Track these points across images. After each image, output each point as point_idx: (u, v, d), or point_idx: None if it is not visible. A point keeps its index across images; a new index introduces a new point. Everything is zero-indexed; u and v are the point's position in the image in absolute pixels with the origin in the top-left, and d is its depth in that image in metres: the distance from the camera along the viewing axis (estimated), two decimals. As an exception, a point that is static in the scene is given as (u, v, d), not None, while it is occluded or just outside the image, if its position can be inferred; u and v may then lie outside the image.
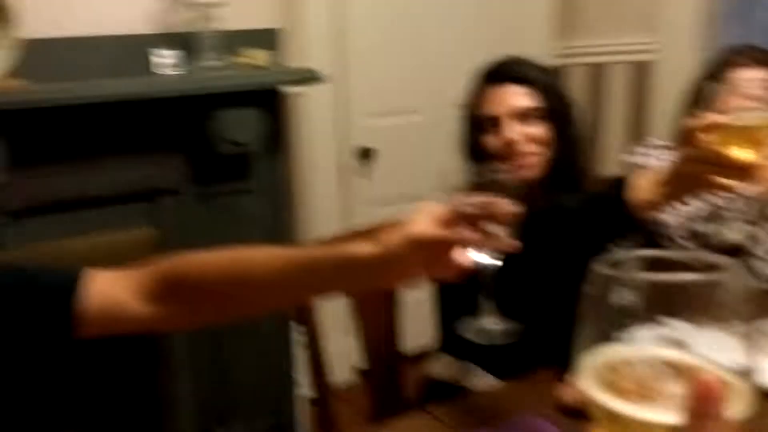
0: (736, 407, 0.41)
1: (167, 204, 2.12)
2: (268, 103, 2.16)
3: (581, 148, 1.56)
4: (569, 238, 1.22)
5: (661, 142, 1.83)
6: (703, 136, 1.00)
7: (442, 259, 0.89)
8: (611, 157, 3.00)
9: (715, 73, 1.73)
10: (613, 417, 0.42)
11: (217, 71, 2.11)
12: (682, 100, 1.83)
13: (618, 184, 1.15)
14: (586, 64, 3.14)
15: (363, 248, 0.89)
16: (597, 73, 3.14)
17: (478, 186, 0.92)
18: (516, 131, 1.44)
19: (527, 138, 1.45)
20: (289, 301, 1.15)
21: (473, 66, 1.57)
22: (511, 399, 1.28)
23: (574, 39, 3.13)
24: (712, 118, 1.00)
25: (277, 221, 2.28)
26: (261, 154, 2.20)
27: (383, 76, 2.73)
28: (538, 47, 2.94)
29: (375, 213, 2.64)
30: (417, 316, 1.73)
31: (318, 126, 2.62)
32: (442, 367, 1.52)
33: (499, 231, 0.90)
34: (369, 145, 2.73)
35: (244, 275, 0.95)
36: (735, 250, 1.65)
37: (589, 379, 0.43)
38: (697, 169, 1.02)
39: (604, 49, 3.09)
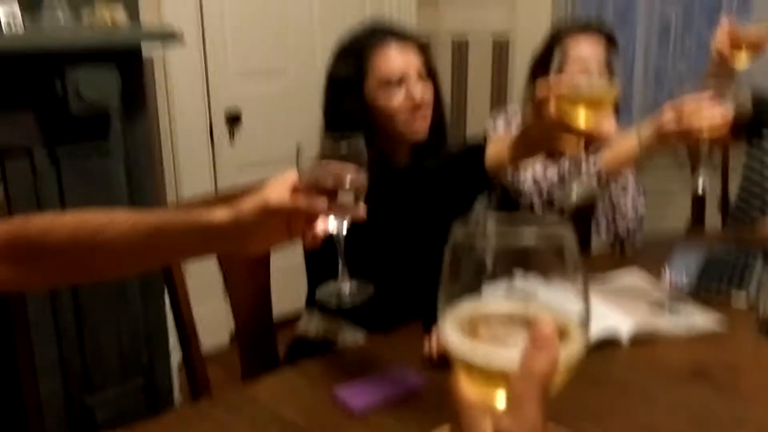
0: (573, 348, 0.46)
1: (17, 164, 2.00)
2: (126, 62, 2.07)
3: (446, 112, 1.64)
4: (430, 197, 1.27)
5: (517, 110, 1.93)
6: (550, 104, 1.09)
7: (297, 226, 0.92)
8: (478, 128, 3.13)
9: (551, 45, 1.85)
10: (469, 362, 0.45)
11: (64, 28, 1.99)
12: (528, 71, 1.95)
13: (475, 146, 1.22)
14: (450, 40, 3.23)
15: (216, 214, 0.90)
16: (460, 46, 3.24)
17: (333, 155, 0.94)
18: (420, 89, 1.48)
19: (425, 96, 1.50)
20: (141, 265, 1.13)
21: (338, 31, 1.58)
22: (379, 352, 1.32)
23: (438, 15, 3.21)
24: (556, 87, 1.08)
25: (138, 184, 2.21)
26: (119, 115, 2.11)
27: (249, 37, 2.67)
28: (404, 16, 2.99)
29: (242, 177, 2.61)
30: (291, 279, 1.73)
31: (184, 88, 2.53)
32: (311, 325, 1.54)
33: (349, 198, 0.93)
34: (237, 106, 2.67)
35: (91, 239, 0.93)
36: (582, 212, 1.79)
37: (450, 330, 0.47)
38: (546, 134, 1.11)
39: (465, 24, 3.19)
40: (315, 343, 1.51)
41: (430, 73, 1.54)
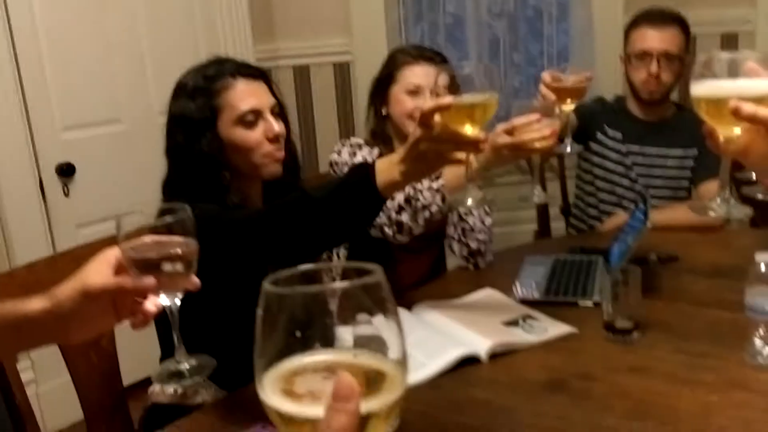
0: (391, 392, 0.46)
1: None
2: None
3: (297, 147, 1.62)
4: (320, 228, 1.23)
5: (360, 142, 1.93)
6: (437, 118, 1.11)
7: (124, 306, 0.87)
8: (326, 152, 3.13)
9: (389, 72, 1.89)
10: (287, 419, 0.46)
11: None
12: (369, 95, 1.97)
13: (360, 168, 1.20)
14: (291, 66, 3.22)
15: (31, 305, 0.84)
16: (302, 73, 3.23)
17: (155, 228, 0.89)
18: (278, 125, 1.47)
19: (282, 133, 1.48)
20: None
21: (173, 72, 1.52)
22: (236, 410, 1.26)
23: (276, 42, 3.18)
24: (440, 100, 1.10)
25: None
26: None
27: (76, 89, 2.50)
28: (241, 50, 2.94)
29: (80, 234, 2.44)
30: (143, 339, 1.62)
31: (5, 147, 2.33)
32: (164, 391, 1.44)
33: (178, 269, 0.88)
34: (69, 160, 2.49)
35: None
36: (432, 233, 1.81)
37: (268, 388, 0.47)
38: (435, 147, 1.12)
39: (306, 51, 3.19)
40: (171, 407, 1.41)
41: (281, 110, 1.53)
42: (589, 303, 1.55)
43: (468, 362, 1.32)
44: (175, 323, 0.92)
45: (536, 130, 1.37)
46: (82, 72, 2.52)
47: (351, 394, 0.43)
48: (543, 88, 1.59)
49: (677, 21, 2.13)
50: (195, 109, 1.45)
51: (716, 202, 1.21)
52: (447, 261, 2.02)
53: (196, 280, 0.89)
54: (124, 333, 1.07)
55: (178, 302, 0.90)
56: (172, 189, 1.48)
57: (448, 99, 1.10)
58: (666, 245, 1.81)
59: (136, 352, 1.61)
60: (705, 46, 3.12)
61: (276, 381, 0.46)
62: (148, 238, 0.87)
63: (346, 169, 1.85)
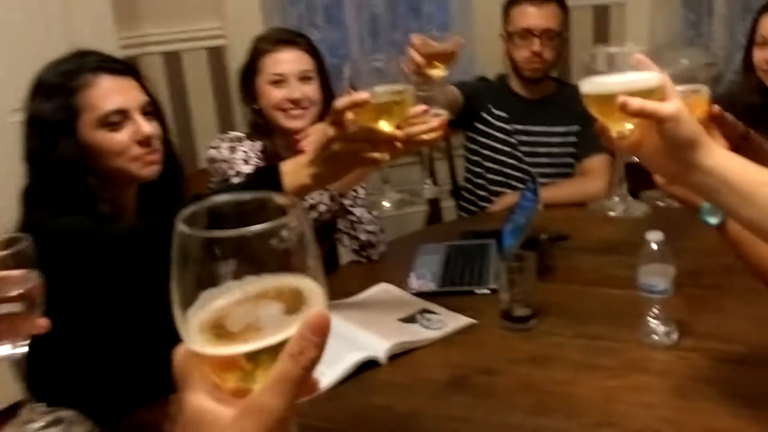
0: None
1: None
2: None
3: (175, 146, 1.48)
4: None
5: (238, 133, 1.81)
6: (350, 115, 1.01)
7: None
8: (205, 144, 2.96)
9: (254, 59, 1.79)
10: (228, 361, 0.44)
11: None
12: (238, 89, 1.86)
13: (265, 172, 1.09)
14: (160, 53, 3.01)
15: None
16: (173, 61, 3.04)
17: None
18: (146, 124, 1.30)
19: (153, 133, 1.32)
20: None
21: (25, 67, 1.34)
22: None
23: (143, 28, 2.97)
24: (354, 97, 1.00)
25: None
26: None
27: None
28: (102, 39, 2.70)
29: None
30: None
31: None
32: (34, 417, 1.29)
33: (18, 310, 0.75)
34: None
35: None
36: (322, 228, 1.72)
37: (197, 341, 0.44)
38: (350, 147, 1.02)
39: (176, 36, 2.99)
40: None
41: (155, 108, 1.37)
42: (485, 290, 1.52)
43: (367, 366, 1.25)
44: (22, 375, 0.78)
45: (424, 121, 1.28)
46: None
47: (325, 326, 0.43)
48: (411, 51, 1.52)
49: None
50: (51, 110, 1.28)
51: (613, 200, 1.22)
52: (340, 256, 1.95)
53: (43, 321, 0.76)
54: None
55: (24, 349, 0.77)
56: (33, 198, 1.31)
57: (363, 95, 1.00)
58: (555, 223, 1.81)
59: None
60: (577, 19, 3.18)
61: (203, 329, 0.43)
62: None
63: (225, 167, 1.73)
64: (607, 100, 0.88)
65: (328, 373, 1.22)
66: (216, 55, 3.05)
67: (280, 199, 0.45)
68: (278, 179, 1.06)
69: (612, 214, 1.19)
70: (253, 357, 0.43)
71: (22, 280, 0.74)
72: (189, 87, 3.07)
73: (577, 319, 1.37)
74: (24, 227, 1.26)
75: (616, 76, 0.90)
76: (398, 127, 1.07)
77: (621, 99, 0.84)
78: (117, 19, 2.79)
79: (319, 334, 0.43)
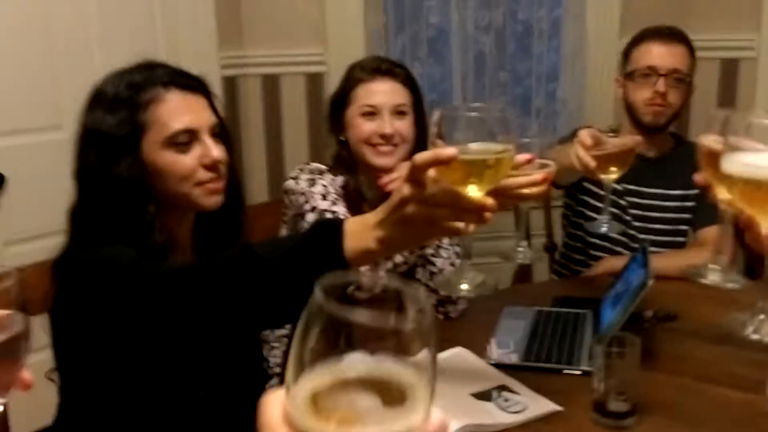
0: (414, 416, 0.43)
1: None
2: None
3: (241, 176, 1.38)
4: (266, 296, 0.96)
5: (320, 165, 1.69)
6: (432, 174, 0.85)
7: None
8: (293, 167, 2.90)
9: (346, 89, 1.67)
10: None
11: None
12: (326, 118, 1.75)
13: (325, 229, 0.94)
14: (259, 75, 2.98)
15: None
16: (271, 83, 3.00)
17: None
18: (217, 150, 1.20)
19: (222, 160, 1.22)
20: None
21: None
22: None
23: (244, 49, 2.94)
24: (439, 152, 0.84)
25: None
26: None
27: (13, 88, 2.24)
28: (204, 56, 2.70)
29: (8, 253, 2.18)
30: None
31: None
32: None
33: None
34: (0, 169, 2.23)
35: None
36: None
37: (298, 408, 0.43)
38: (428, 212, 0.86)
39: (276, 59, 2.95)
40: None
41: (223, 130, 1.26)
42: (576, 372, 1.32)
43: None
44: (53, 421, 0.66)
45: (525, 173, 1.08)
46: (21, 73, 2.26)
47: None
48: (580, 152, 1.35)
49: (685, 41, 1.93)
50: (114, 123, 1.17)
51: (709, 267, 1.05)
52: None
53: (26, 376, 0.64)
54: None
55: (0, 408, 0.65)
56: (80, 220, 1.21)
57: (450, 150, 0.84)
58: (662, 298, 1.58)
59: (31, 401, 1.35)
60: (702, 72, 2.92)
61: (305, 400, 0.42)
62: None
63: (301, 200, 1.61)
64: (761, 187, 0.68)
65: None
66: (314, 82, 2.99)
67: (421, 292, 0.44)
68: (339, 240, 0.91)
69: (704, 281, 1.04)
70: None
71: (4, 323, 0.62)
72: (284, 111, 3.01)
73: (685, 422, 1.15)
74: (65, 253, 1.17)
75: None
76: (492, 194, 0.90)
77: None
78: (220, 39, 2.78)
79: None
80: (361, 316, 0.41)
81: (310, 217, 1.55)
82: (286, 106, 3.01)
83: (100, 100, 1.21)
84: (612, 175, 1.39)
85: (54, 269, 1.15)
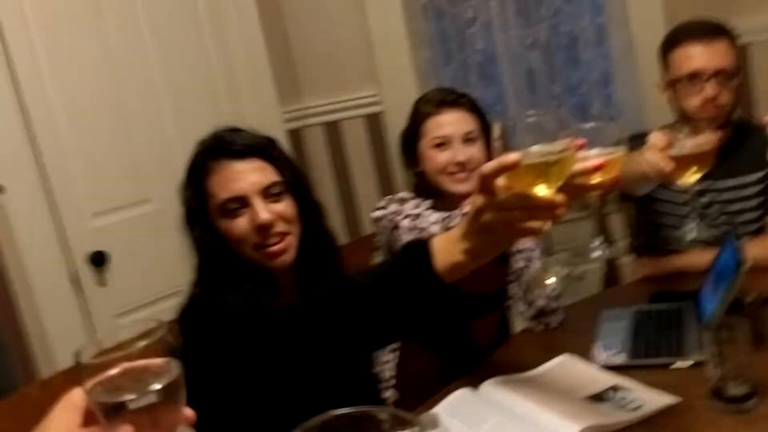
0: None
1: None
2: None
3: (324, 215, 1.45)
4: (368, 321, 1.04)
5: (406, 196, 1.77)
6: (501, 181, 0.91)
7: None
8: (368, 210, 2.98)
9: (416, 122, 1.74)
10: None
11: None
12: (400, 152, 1.82)
13: (414, 250, 1.01)
14: (321, 124, 3.10)
15: None
16: (333, 130, 3.11)
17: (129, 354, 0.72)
18: (269, 210, 1.28)
19: (279, 216, 1.29)
20: None
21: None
22: None
23: (303, 101, 3.07)
24: (502, 159, 0.90)
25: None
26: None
27: (102, 169, 2.40)
28: (266, 114, 2.82)
29: (120, 324, 2.31)
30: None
31: (34, 236, 2.23)
32: None
33: (160, 402, 0.70)
34: (101, 248, 2.38)
35: None
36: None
37: None
38: (504, 217, 0.92)
39: (335, 106, 3.07)
40: None
41: (288, 185, 1.33)
42: (687, 363, 1.33)
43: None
44: None
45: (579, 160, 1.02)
46: (105, 153, 2.41)
47: None
48: (654, 157, 1.29)
49: (723, 32, 1.82)
50: (188, 197, 1.34)
51: None
52: (513, 324, 1.82)
53: (189, 412, 0.72)
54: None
55: None
56: (200, 279, 1.34)
57: (513, 156, 0.89)
58: (759, 282, 1.58)
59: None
60: (759, 57, 2.89)
61: None
62: (117, 369, 0.70)
63: (394, 216, 1.68)
64: None
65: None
66: (374, 122, 3.09)
67: (399, 414, 0.44)
68: (429, 259, 0.98)
69: None
70: None
71: (163, 369, 0.71)
72: (349, 154, 3.12)
73: (808, 398, 1.15)
74: (189, 302, 1.30)
75: None
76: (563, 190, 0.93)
77: None
78: (280, 94, 2.90)
79: None
80: None
81: (405, 223, 1.61)
82: (350, 149, 3.11)
83: (185, 173, 1.36)
84: (691, 178, 1.30)
85: (180, 317, 1.27)
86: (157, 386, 0.70)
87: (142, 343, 0.73)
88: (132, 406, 0.70)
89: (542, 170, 0.92)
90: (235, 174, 1.28)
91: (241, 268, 1.29)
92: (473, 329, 1.66)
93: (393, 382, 1.66)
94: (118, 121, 2.46)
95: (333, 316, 1.06)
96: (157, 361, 0.72)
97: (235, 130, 1.35)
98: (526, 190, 0.92)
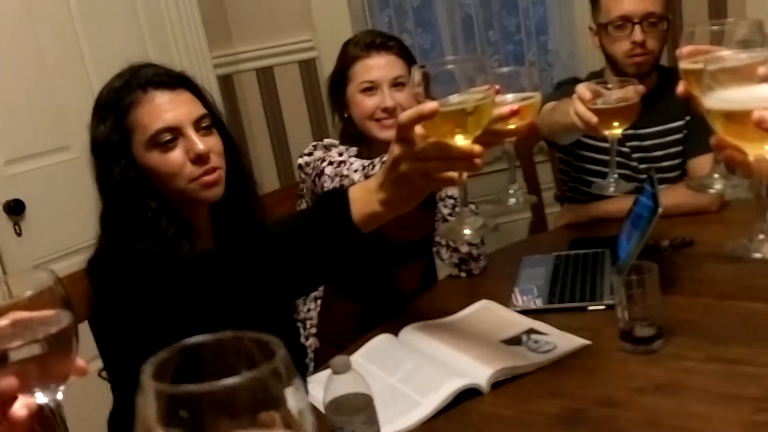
0: None
1: None
2: None
3: (245, 156, 1.41)
4: (283, 270, 1.01)
5: (332, 140, 1.74)
6: (418, 129, 0.89)
7: None
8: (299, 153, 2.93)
9: (343, 67, 1.69)
10: None
11: None
12: (327, 97, 1.77)
13: (332, 199, 0.98)
14: (253, 69, 3.01)
15: None
16: (266, 76, 3.03)
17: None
18: (202, 142, 1.23)
19: (210, 150, 1.24)
20: None
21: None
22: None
23: (235, 46, 2.97)
24: (420, 108, 0.87)
25: None
26: None
27: (16, 115, 2.28)
28: (196, 59, 2.73)
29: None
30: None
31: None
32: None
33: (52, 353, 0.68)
34: (17, 196, 2.28)
35: None
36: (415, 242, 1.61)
37: None
38: (421, 167, 0.90)
39: (267, 52, 2.98)
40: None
41: (215, 121, 1.29)
42: (600, 307, 1.36)
43: (467, 395, 1.12)
44: (62, 426, 0.71)
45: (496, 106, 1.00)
46: (21, 99, 2.29)
47: None
48: (580, 108, 1.28)
49: None
50: (105, 132, 1.24)
51: (713, 177, 1.07)
52: (438, 270, 1.82)
53: (80, 362, 0.69)
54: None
55: (60, 396, 0.70)
56: (105, 223, 1.27)
57: (431, 105, 0.87)
58: (676, 228, 1.62)
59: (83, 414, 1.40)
60: (689, 3, 2.92)
61: None
62: (5, 320, 0.66)
63: (318, 163, 1.63)
64: (739, 117, 0.72)
65: (424, 404, 1.11)
66: (308, 68, 3.02)
67: (262, 337, 0.40)
68: (346, 208, 0.96)
69: (712, 191, 1.08)
70: None
71: (53, 319, 0.68)
72: (283, 101, 3.05)
73: (711, 339, 1.18)
74: (96, 254, 1.23)
75: (749, 89, 0.74)
76: (480, 140, 0.92)
77: (757, 114, 0.69)
78: (210, 40, 2.80)
79: None
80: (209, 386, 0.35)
81: (329, 170, 1.58)
82: (284, 95, 3.04)
83: (95, 109, 1.28)
84: (616, 129, 1.30)
85: (89, 270, 1.22)
86: (43, 336, 0.67)
87: (28, 293, 0.70)
88: (15, 356, 0.67)
89: (460, 119, 0.90)
90: (167, 104, 1.22)
91: (157, 210, 1.24)
92: (398, 276, 1.66)
93: (315, 330, 1.65)
94: (36, 66, 2.34)
95: (248, 264, 1.03)
96: (47, 312, 0.69)
97: (151, 65, 1.29)
98: (444, 139, 0.90)
